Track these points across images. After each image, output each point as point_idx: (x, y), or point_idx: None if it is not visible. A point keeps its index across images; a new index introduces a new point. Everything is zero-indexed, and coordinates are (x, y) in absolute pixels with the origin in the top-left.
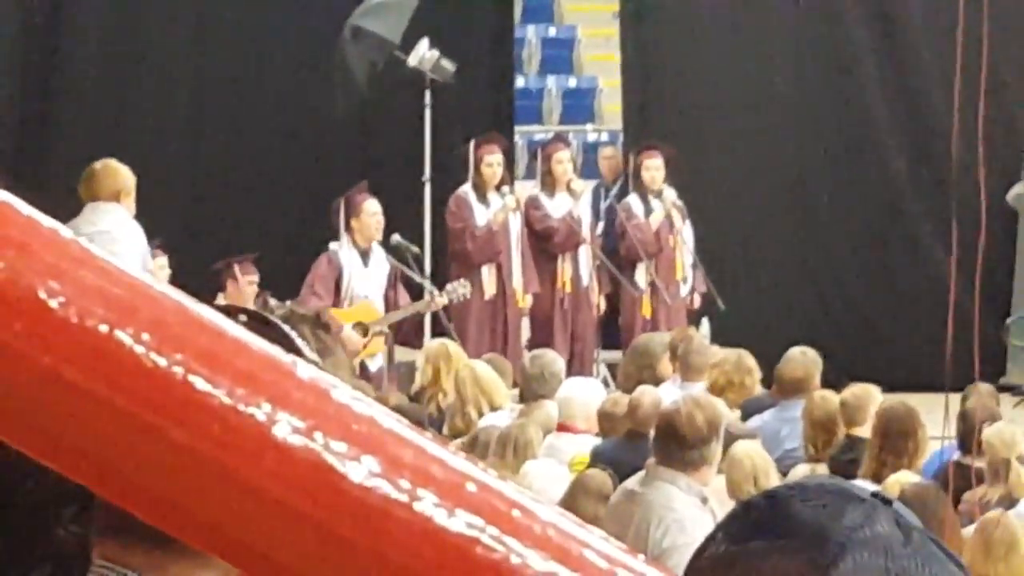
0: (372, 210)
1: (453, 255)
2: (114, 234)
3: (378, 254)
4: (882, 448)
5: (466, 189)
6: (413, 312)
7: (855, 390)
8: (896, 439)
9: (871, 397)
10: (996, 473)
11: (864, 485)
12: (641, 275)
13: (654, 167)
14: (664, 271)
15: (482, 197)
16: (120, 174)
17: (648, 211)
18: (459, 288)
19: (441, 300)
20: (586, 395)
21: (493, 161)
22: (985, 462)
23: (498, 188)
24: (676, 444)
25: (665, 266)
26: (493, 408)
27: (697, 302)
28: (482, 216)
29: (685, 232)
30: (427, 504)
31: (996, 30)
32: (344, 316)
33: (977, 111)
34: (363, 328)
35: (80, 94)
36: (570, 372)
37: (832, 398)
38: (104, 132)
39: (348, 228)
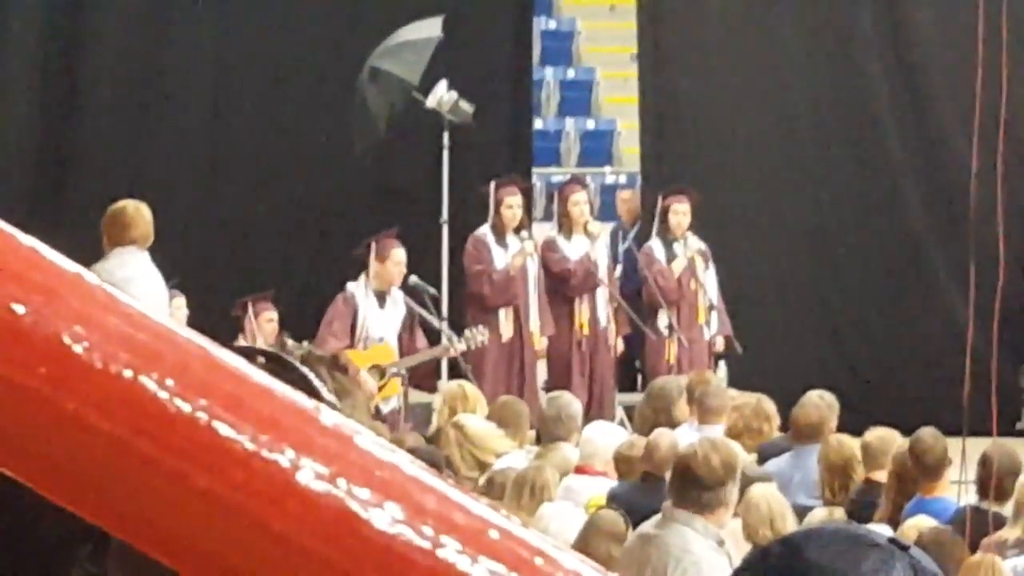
0: (398, 259)
1: (470, 298)
2: (139, 280)
3: (395, 297)
4: (898, 492)
5: (484, 231)
6: (430, 357)
7: (879, 433)
8: (912, 483)
9: (894, 441)
10: (1018, 515)
11: (881, 529)
12: (663, 319)
13: (682, 212)
14: (686, 316)
15: (501, 239)
16: (147, 218)
17: (670, 256)
18: (477, 335)
19: (459, 347)
20: (607, 438)
21: (513, 203)
22: (1013, 502)
23: (517, 231)
24: (692, 486)
25: (687, 311)
26: (497, 456)
27: (720, 345)
28: (500, 259)
29: (708, 277)
30: (450, 551)
31: (1016, 77)
32: (359, 358)
33: (996, 157)
34: (379, 371)
35: (98, 133)
36: (589, 414)
37: (849, 442)
38: (122, 172)
39: (368, 270)
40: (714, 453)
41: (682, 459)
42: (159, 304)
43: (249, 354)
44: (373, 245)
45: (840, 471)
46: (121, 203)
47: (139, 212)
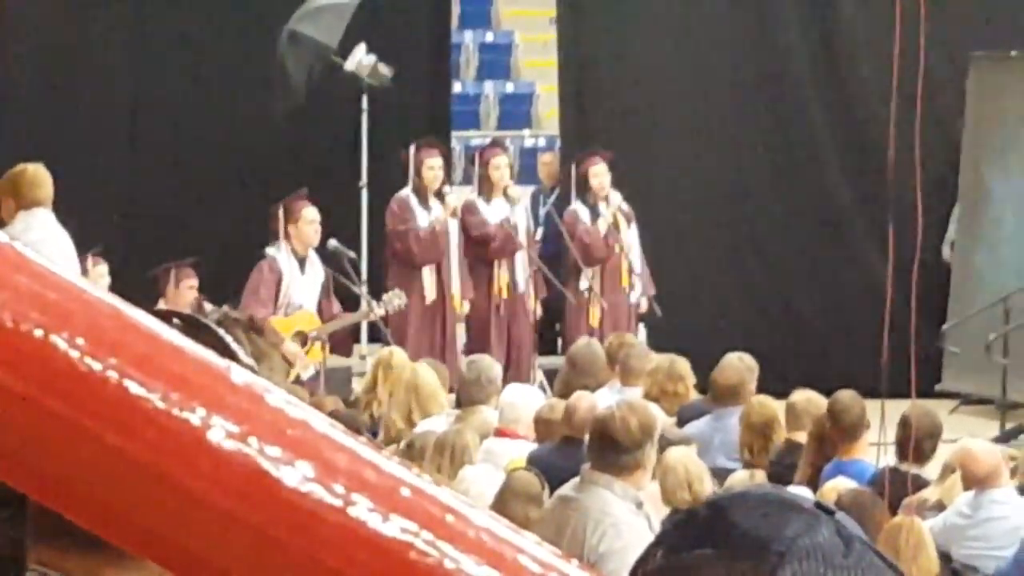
0: (310, 217)
1: (394, 256)
2: (48, 241)
3: (315, 262)
4: (816, 454)
5: (407, 193)
6: (351, 322)
7: (805, 394)
8: (830, 446)
9: (818, 403)
10: (943, 477)
11: (800, 491)
12: (584, 282)
13: (601, 173)
14: (609, 279)
15: (423, 201)
16: (49, 179)
17: (595, 217)
18: (395, 299)
19: (378, 311)
20: (526, 401)
21: (435, 165)
22: (941, 465)
23: (438, 193)
24: (611, 449)
25: (611, 272)
26: (425, 416)
27: (644, 306)
28: (423, 220)
29: (631, 236)
30: (361, 509)
31: (933, 37)
32: (282, 325)
33: (914, 120)
34: (302, 337)
35: (16, 98)
36: (507, 378)
37: (770, 404)
38: (40, 137)
39: (286, 234)
40: (632, 415)
41: (600, 422)
42: (69, 264)
43: (165, 317)
44: (281, 209)
45: (760, 432)
46: (19, 167)
47: (40, 172)
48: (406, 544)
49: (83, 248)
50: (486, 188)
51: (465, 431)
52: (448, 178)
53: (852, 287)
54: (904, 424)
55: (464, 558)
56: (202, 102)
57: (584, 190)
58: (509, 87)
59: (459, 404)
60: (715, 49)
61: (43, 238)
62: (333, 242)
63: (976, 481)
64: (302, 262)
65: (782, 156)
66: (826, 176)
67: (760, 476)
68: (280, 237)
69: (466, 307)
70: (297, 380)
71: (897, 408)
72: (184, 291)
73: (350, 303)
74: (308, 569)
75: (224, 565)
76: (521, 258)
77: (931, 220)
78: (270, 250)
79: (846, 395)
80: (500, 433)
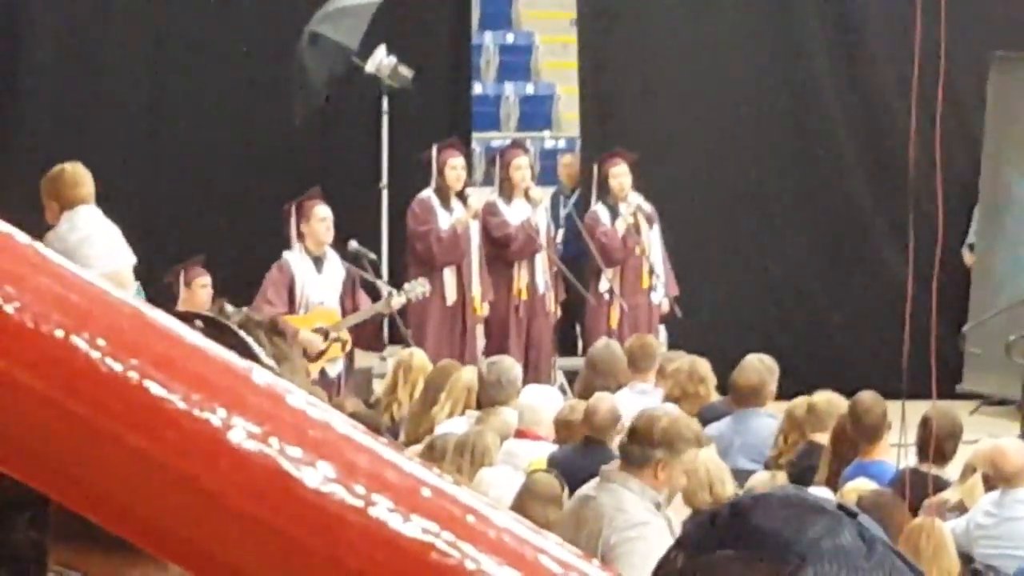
0: (321, 215)
1: (415, 257)
2: (94, 237)
3: (333, 260)
4: (837, 455)
5: (428, 194)
6: (373, 314)
7: (827, 395)
8: (850, 447)
9: (840, 405)
10: (964, 478)
11: (821, 492)
12: (604, 284)
13: (621, 174)
14: (630, 280)
15: (445, 202)
16: (88, 176)
17: (615, 218)
18: (417, 287)
19: (399, 299)
20: (548, 402)
21: (457, 165)
22: (962, 465)
23: (459, 194)
24: (629, 442)
25: (631, 275)
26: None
27: (666, 307)
28: (445, 221)
29: (652, 237)
30: (382, 509)
31: (953, 38)
32: (302, 322)
33: (935, 120)
34: (323, 332)
35: (34, 100)
36: (526, 379)
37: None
38: (58, 138)
39: (300, 234)
40: (663, 416)
41: (635, 418)
42: (119, 254)
43: (187, 319)
44: (293, 209)
45: (799, 427)
46: (57, 168)
47: (78, 170)
48: (427, 544)
49: None
50: (507, 189)
51: (485, 432)
52: (468, 179)
53: (872, 288)
54: (925, 425)
55: (485, 558)
56: (221, 104)
57: (605, 191)
58: (529, 88)
59: (479, 405)
60: (735, 50)
61: (88, 235)
62: (353, 243)
63: (1003, 479)
64: (318, 261)
65: (802, 157)
66: (846, 177)
67: (781, 477)
68: (294, 237)
69: (486, 308)
70: (323, 375)
71: (917, 409)
72: (197, 290)
73: (375, 299)
74: (329, 570)
75: (244, 566)
76: (541, 259)
77: (952, 221)
78: (286, 253)
79: (868, 396)
80: (520, 434)
